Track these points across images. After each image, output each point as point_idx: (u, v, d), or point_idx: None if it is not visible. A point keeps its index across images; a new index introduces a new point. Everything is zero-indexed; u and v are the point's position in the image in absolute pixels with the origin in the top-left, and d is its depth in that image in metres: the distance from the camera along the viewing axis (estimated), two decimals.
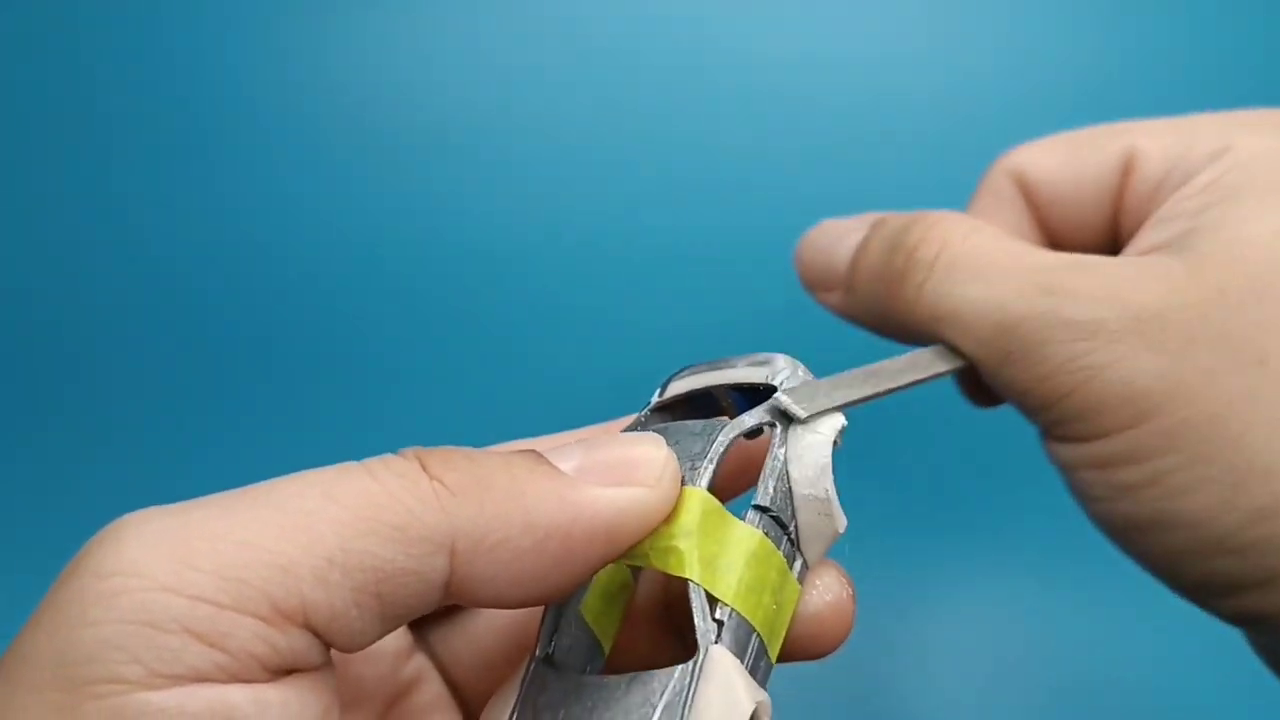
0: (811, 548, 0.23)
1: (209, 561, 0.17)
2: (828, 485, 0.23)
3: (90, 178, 0.58)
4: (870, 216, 0.30)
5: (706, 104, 0.58)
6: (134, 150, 0.58)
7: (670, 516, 0.21)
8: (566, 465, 0.20)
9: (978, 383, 0.28)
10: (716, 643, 0.20)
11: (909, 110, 0.59)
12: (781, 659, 0.22)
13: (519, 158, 0.58)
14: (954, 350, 0.26)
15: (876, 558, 0.48)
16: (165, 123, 0.58)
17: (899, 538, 0.52)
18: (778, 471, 0.22)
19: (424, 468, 0.19)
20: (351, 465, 0.19)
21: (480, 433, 0.27)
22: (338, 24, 0.59)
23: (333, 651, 0.19)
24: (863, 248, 0.29)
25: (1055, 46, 0.59)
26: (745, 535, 0.21)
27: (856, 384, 0.24)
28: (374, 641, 0.19)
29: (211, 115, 0.58)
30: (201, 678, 0.17)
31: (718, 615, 0.20)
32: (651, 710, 0.20)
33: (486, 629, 0.26)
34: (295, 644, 0.18)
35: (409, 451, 0.19)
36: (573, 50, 0.59)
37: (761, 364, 0.24)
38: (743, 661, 0.20)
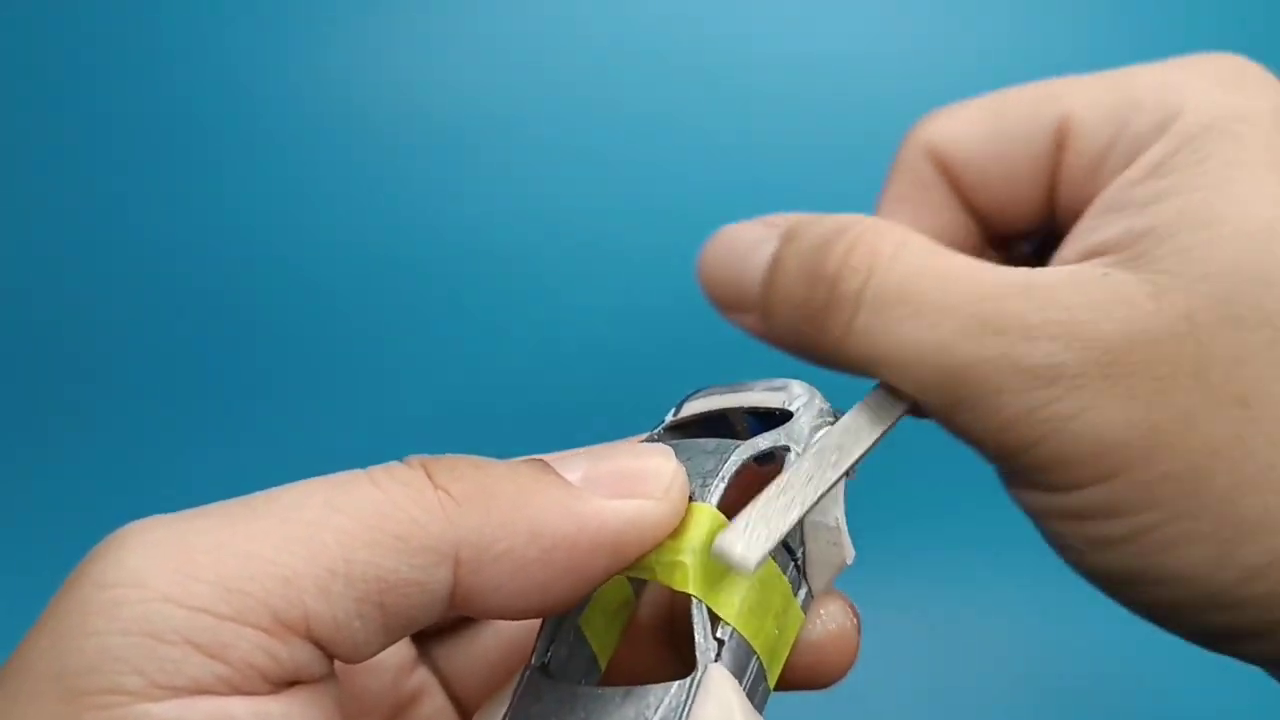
0: (818, 577, 0.23)
1: (211, 572, 0.17)
2: (838, 515, 0.23)
3: (90, 182, 0.58)
4: (778, 220, 0.26)
5: (711, 104, 0.58)
6: (137, 158, 0.58)
7: (677, 531, 0.21)
8: (573, 475, 0.20)
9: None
10: (716, 661, 0.20)
11: (907, 111, 0.59)
12: (783, 687, 0.22)
13: (526, 164, 0.58)
14: (895, 392, 0.23)
15: (876, 558, 0.48)
16: (164, 126, 0.58)
17: (899, 536, 0.52)
18: None
19: (429, 476, 0.19)
20: (355, 473, 0.19)
21: (486, 441, 0.26)
22: (333, 24, 0.59)
23: (336, 663, 0.19)
24: (777, 268, 0.25)
25: (1056, 47, 0.59)
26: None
27: (796, 494, 0.21)
28: (378, 652, 0.19)
29: (206, 118, 0.58)
30: (202, 689, 0.17)
31: (719, 634, 0.20)
32: None
33: (491, 643, 0.26)
34: (297, 655, 0.17)
35: (414, 460, 0.19)
36: (570, 50, 0.59)
37: (778, 389, 0.24)
38: (741, 683, 0.20)
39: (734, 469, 0.22)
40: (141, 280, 0.57)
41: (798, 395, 0.24)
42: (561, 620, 0.23)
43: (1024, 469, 0.22)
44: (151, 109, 0.58)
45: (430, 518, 0.18)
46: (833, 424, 0.23)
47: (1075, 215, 0.24)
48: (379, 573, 0.18)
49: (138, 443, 0.55)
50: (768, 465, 0.23)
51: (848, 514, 0.23)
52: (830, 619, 0.23)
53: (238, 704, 0.17)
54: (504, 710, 0.22)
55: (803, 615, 0.22)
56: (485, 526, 0.18)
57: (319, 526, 0.17)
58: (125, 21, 0.57)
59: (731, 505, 0.22)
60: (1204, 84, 0.23)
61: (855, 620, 0.23)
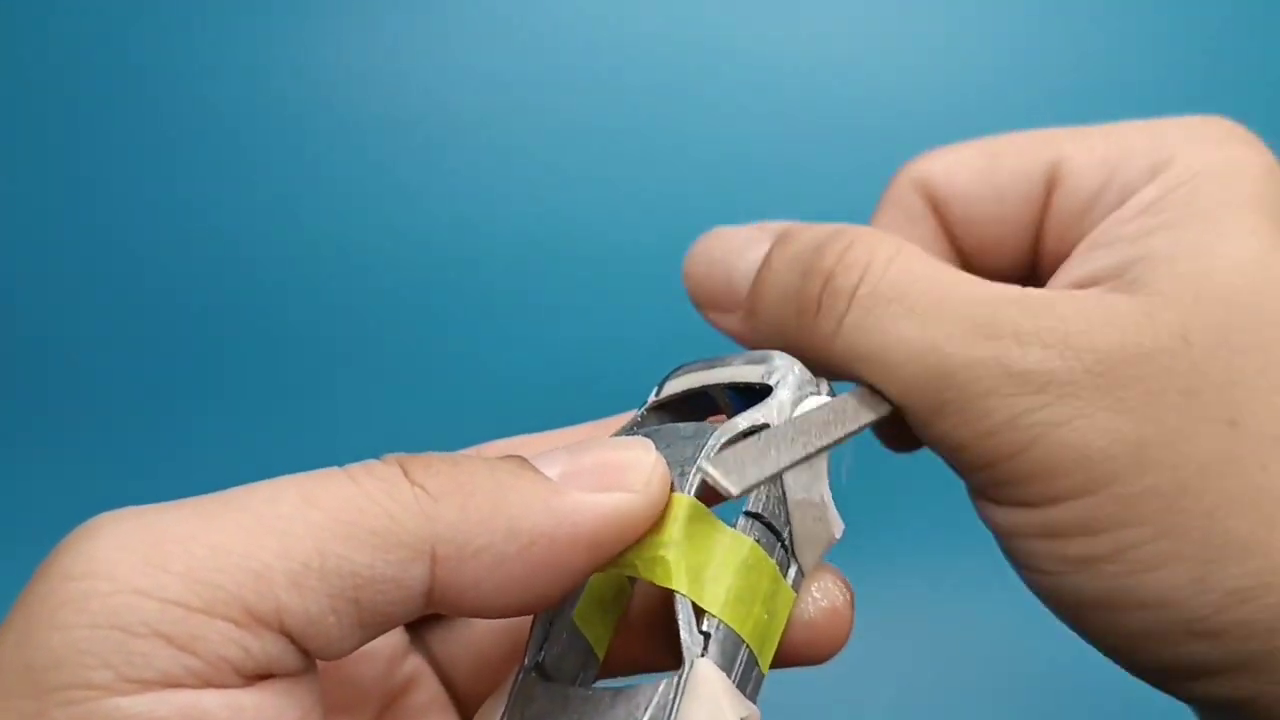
0: (807, 554, 0.22)
1: (181, 564, 0.17)
2: (823, 491, 0.22)
3: (68, 178, 0.58)
4: (772, 226, 0.26)
5: (699, 106, 0.58)
6: (118, 154, 0.58)
7: (658, 524, 0.20)
8: (552, 471, 0.20)
9: (898, 428, 0.24)
10: (703, 656, 0.20)
11: (907, 111, 0.58)
12: (778, 664, 0.22)
13: (506, 161, 0.58)
14: (878, 394, 0.23)
15: (874, 557, 0.48)
16: (142, 123, 0.58)
17: (897, 536, 0.52)
18: None
19: (405, 473, 0.18)
20: (332, 470, 0.18)
21: (469, 435, 0.26)
22: (328, 24, 0.59)
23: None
24: (768, 265, 0.25)
25: (1057, 47, 0.59)
26: (735, 543, 0.21)
27: (785, 445, 0.21)
28: (355, 648, 0.19)
29: (188, 117, 0.58)
30: (173, 682, 0.16)
31: (705, 627, 0.20)
32: None
33: (485, 630, 0.25)
34: (270, 649, 0.17)
35: (391, 458, 0.19)
36: (569, 49, 0.59)
37: (758, 362, 0.24)
38: (731, 674, 0.20)
39: (713, 454, 0.21)
40: (117, 276, 0.57)
41: (778, 367, 0.23)
42: (553, 617, 0.23)
43: (1002, 481, 0.22)
44: (134, 107, 0.58)
45: (406, 513, 0.18)
46: (816, 393, 0.23)
47: (1060, 258, 0.25)
48: (353, 568, 0.17)
49: (113, 437, 0.54)
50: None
51: (834, 489, 0.23)
52: (823, 595, 0.23)
53: (210, 696, 0.17)
54: (500, 713, 0.21)
55: (794, 594, 0.22)
56: (462, 523, 0.18)
57: (293, 521, 0.17)
58: (110, 22, 0.58)
59: (713, 491, 0.22)
60: (1194, 138, 0.24)
61: (848, 595, 0.23)
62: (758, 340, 0.25)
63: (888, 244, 0.23)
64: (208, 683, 0.17)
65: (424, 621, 0.26)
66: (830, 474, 0.23)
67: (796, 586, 0.22)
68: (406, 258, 0.58)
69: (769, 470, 0.21)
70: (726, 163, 0.58)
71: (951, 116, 0.58)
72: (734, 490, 0.20)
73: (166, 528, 0.17)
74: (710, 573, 0.20)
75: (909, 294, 0.22)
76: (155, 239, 0.57)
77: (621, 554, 0.20)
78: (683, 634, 0.20)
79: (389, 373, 0.57)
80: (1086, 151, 0.25)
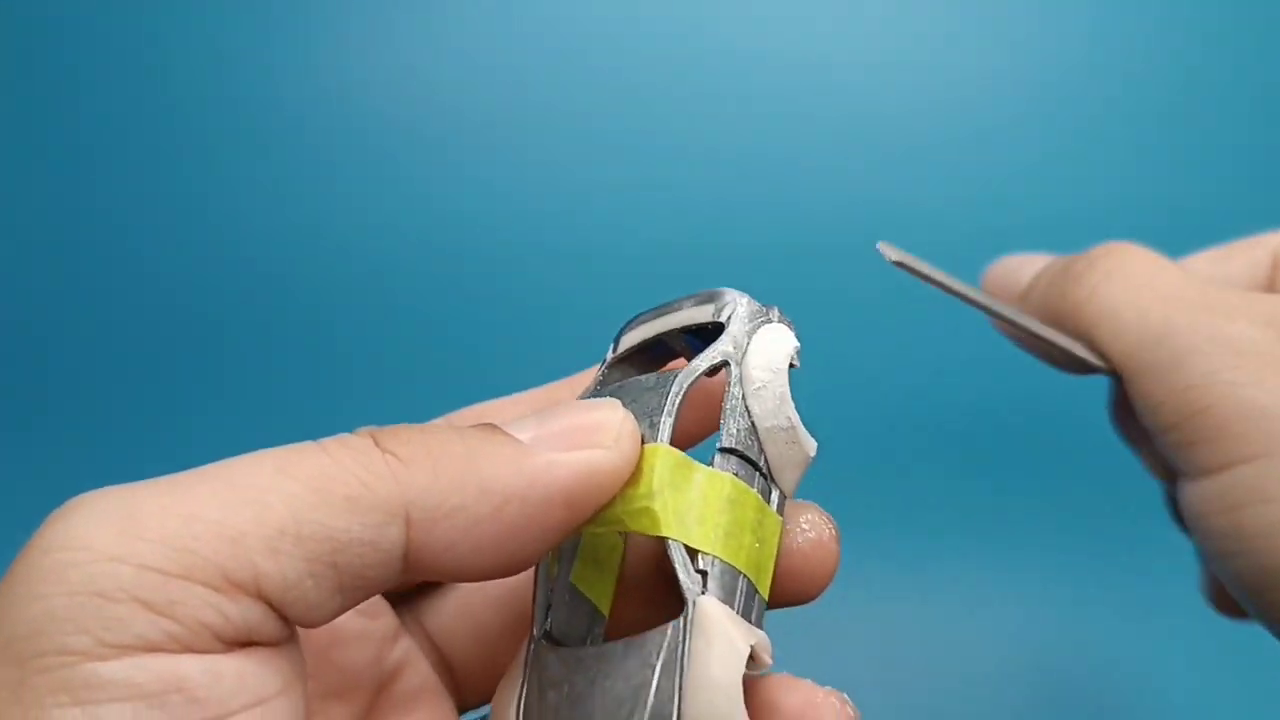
0: (785, 477, 0.23)
1: (156, 532, 0.17)
2: (789, 414, 0.23)
3: (55, 173, 0.58)
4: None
5: (698, 103, 0.58)
6: (116, 153, 0.58)
7: (635, 477, 0.21)
8: (523, 435, 0.20)
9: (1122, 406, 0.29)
10: (703, 594, 0.20)
11: (905, 110, 0.58)
12: (771, 605, 0.22)
13: (507, 161, 0.58)
14: (1099, 354, 0.28)
15: (874, 555, 0.48)
16: (141, 123, 0.58)
17: (896, 536, 0.51)
18: (737, 409, 0.22)
19: (377, 443, 0.19)
20: (306, 444, 0.19)
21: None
22: (323, 25, 0.59)
23: (316, 633, 0.19)
24: (1048, 265, 0.31)
25: (1057, 46, 0.59)
26: (714, 481, 0.21)
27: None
28: (334, 615, 0.19)
29: (186, 116, 0.58)
30: (152, 647, 0.16)
31: (700, 566, 0.20)
32: (650, 672, 0.20)
33: (481, 605, 0.26)
34: (249, 614, 0.17)
35: (363, 430, 0.19)
36: (567, 49, 0.59)
37: (707, 301, 0.24)
38: (733, 606, 0.20)
39: (678, 401, 0.22)
40: (119, 275, 0.56)
41: (727, 303, 0.23)
42: (552, 584, 0.23)
43: (1187, 441, 0.25)
44: (133, 108, 0.58)
45: (379, 479, 0.18)
46: (768, 321, 0.23)
47: None
48: (329, 533, 0.18)
49: (99, 427, 0.54)
50: (716, 375, 0.23)
51: (799, 408, 0.23)
52: (810, 527, 0.23)
53: (188, 662, 0.17)
54: (518, 687, 0.22)
55: (780, 519, 0.22)
56: (434, 485, 0.19)
57: (267, 490, 0.18)
58: (108, 19, 0.57)
59: (689, 431, 0.23)
60: None
61: (833, 530, 0.23)
62: (1030, 308, 0.31)
63: (1148, 252, 0.29)
64: (187, 648, 0.17)
65: (420, 599, 0.26)
66: (793, 399, 0.23)
67: (781, 511, 0.23)
68: (406, 257, 0.58)
69: (935, 276, 0.27)
70: (736, 162, 0.58)
71: (960, 116, 0.58)
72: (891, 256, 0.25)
73: (143, 501, 0.17)
74: (695, 514, 0.21)
75: (1154, 277, 0.28)
76: (153, 233, 0.57)
77: (607, 511, 0.21)
78: (681, 577, 0.20)
79: (389, 372, 0.57)
80: None
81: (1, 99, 0.57)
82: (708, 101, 0.58)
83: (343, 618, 0.23)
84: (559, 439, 0.20)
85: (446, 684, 0.26)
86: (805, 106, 0.58)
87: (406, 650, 0.25)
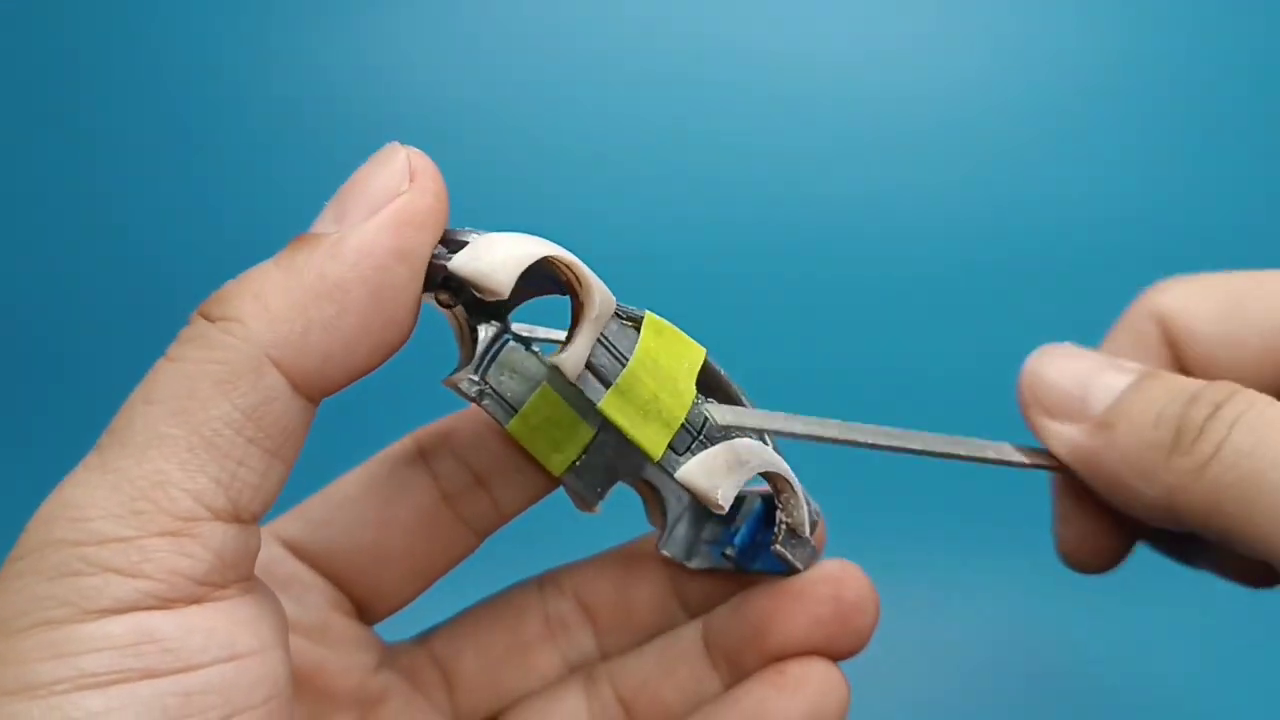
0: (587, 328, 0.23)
1: (99, 510, 0.18)
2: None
3: (62, 177, 0.58)
4: (1121, 360, 0.26)
5: (710, 105, 0.58)
6: (116, 151, 0.58)
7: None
8: (329, 227, 0.20)
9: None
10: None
11: (905, 109, 0.58)
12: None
13: (509, 163, 0.58)
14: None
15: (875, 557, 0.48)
16: (142, 121, 0.58)
17: (898, 540, 0.52)
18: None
19: (207, 318, 0.19)
20: (157, 364, 0.19)
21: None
22: (320, 25, 0.59)
23: (293, 641, 0.20)
24: (1141, 390, 0.24)
25: (1058, 44, 0.59)
26: (538, 404, 0.23)
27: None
28: (282, 480, 0.20)
29: (186, 115, 0.58)
30: (129, 608, 0.18)
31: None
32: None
33: (488, 628, 0.27)
34: (211, 542, 0.18)
35: (193, 314, 0.20)
36: (565, 49, 0.59)
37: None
38: (691, 446, 0.23)
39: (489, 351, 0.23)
40: (119, 275, 0.57)
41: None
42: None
43: None
44: (133, 106, 0.58)
45: (228, 350, 0.19)
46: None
47: None
48: (223, 418, 0.18)
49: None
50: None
51: None
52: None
53: (161, 617, 0.18)
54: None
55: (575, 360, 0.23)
56: (275, 321, 0.19)
57: (155, 427, 0.18)
58: (107, 17, 0.58)
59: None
60: None
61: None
62: (1095, 459, 0.25)
63: (1265, 396, 0.23)
64: (165, 602, 0.18)
65: (430, 631, 0.27)
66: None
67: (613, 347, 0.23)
68: None
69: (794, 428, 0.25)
70: (742, 161, 0.58)
71: (967, 115, 0.58)
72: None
73: (72, 492, 0.18)
74: (556, 437, 0.24)
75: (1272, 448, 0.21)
76: (154, 234, 0.57)
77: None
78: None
79: (388, 372, 0.57)
80: None
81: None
82: (709, 101, 0.58)
83: (325, 653, 0.25)
84: (360, 210, 0.20)
85: (443, 705, 0.27)
86: (812, 105, 0.58)
87: (386, 682, 0.26)
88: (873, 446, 0.25)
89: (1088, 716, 0.48)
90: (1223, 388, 0.23)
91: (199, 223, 0.57)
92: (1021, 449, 0.26)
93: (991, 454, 0.26)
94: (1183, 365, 0.26)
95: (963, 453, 0.25)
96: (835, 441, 0.25)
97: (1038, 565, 0.53)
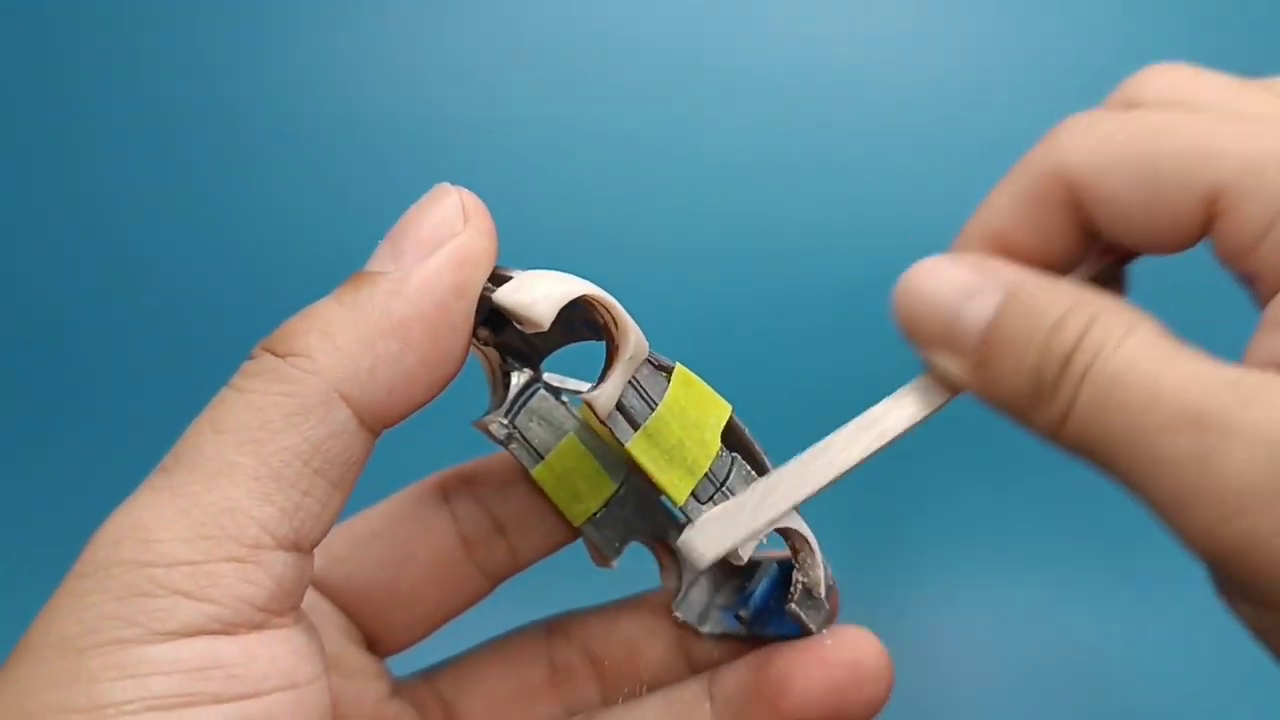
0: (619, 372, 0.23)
1: (168, 533, 0.18)
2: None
3: (73, 179, 0.57)
4: (993, 268, 0.23)
5: (707, 107, 0.58)
6: (115, 152, 0.57)
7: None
8: (387, 266, 0.21)
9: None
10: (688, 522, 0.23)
11: (905, 108, 0.58)
12: None
13: (509, 162, 0.58)
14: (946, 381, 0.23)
15: (875, 557, 0.48)
16: (140, 121, 0.57)
17: (897, 536, 0.51)
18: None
19: (275, 353, 0.20)
20: (221, 393, 0.20)
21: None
22: (319, 25, 0.58)
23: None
24: (1002, 326, 0.22)
25: (1059, 42, 0.59)
26: (563, 453, 0.25)
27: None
28: (341, 508, 0.20)
29: (185, 115, 0.58)
30: (196, 631, 0.18)
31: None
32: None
33: (497, 671, 0.28)
34: (274, 569, 0.19)
35: (257, 348, 0.20)
36: (565, 48, 0.59)
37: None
38: (714, 497, 0.23)
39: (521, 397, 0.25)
40: (119, 276, 0.56)
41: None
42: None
43: (1230, 577, 0.20)
44: (131, 106, 0.57)
45: (299, 384, 0.19)
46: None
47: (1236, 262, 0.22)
48: (293, 450, 0.19)
49: (117, 442, 0.54)
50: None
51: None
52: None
53: (227, 643, 0.18)
54: None
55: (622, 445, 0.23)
56: (343, 358, 0.20)
57: (224, 454, 0.19)
58: (106, 19, 0.57)
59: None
60: None
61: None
62: (984, 392, 0.23)
63: (1120, 323, 0.21)
64: (228, 627, 0.18)
65: (436, 668, 0.28)
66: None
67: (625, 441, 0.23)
68: None
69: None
70: (737, 163, 0.57)
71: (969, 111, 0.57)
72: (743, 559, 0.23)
73: (140, 513, 0.19)
74: (579, 487, 0.25)
75: (1126, 383, 0.20)
76: (154, 237, 0.56)
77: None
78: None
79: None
80: (1256, 180, 0.21)
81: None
82: (706, 103, 0.58)
83: (341, 682, 0.25)
84: (418, 250, 0.21)
85: None
86: (813, 105, 0.58)
87: (397, 712, 0.26)
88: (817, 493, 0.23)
89: (1088, 717, 0.48)
90: (1080, 316, 0.21)
91: (199, 223, 0.57)
92: (919, 387, 0.24)
93: (896, 426, 0.24)
94: (1083, 219, 0.23)
95: (877, 446, 0.24)
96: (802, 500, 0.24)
97: (1038, 565, 0.53)
